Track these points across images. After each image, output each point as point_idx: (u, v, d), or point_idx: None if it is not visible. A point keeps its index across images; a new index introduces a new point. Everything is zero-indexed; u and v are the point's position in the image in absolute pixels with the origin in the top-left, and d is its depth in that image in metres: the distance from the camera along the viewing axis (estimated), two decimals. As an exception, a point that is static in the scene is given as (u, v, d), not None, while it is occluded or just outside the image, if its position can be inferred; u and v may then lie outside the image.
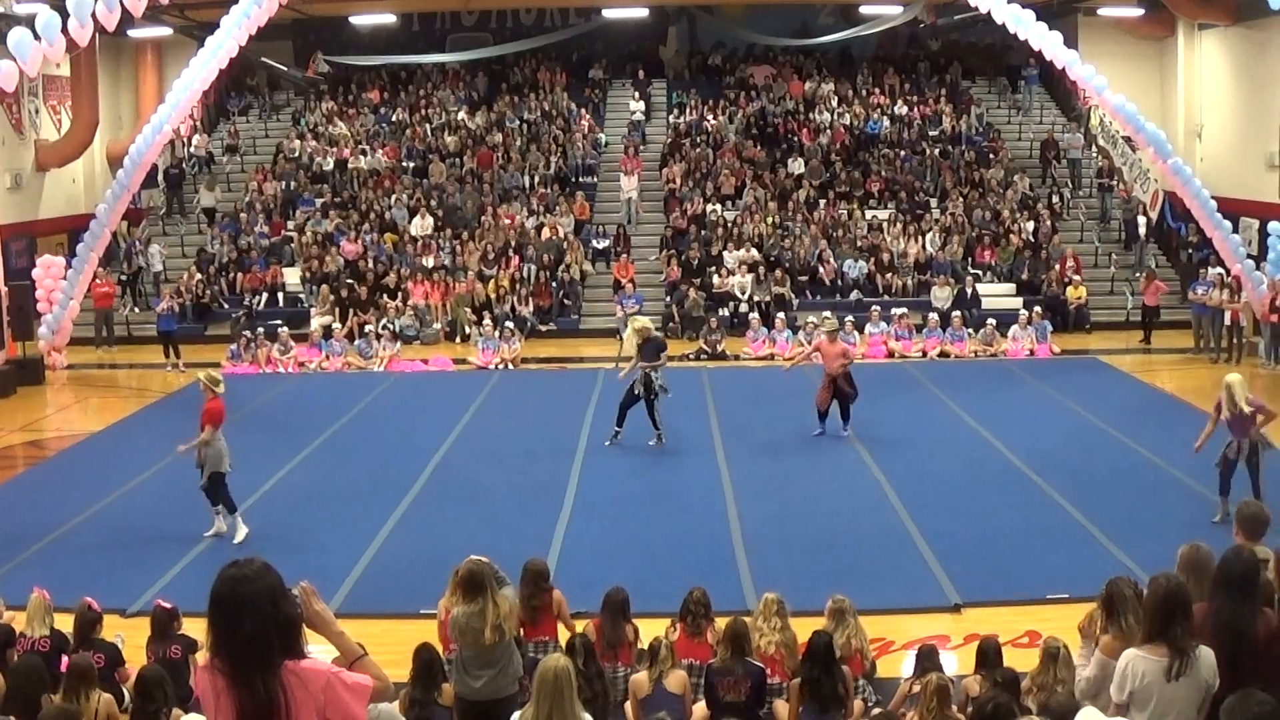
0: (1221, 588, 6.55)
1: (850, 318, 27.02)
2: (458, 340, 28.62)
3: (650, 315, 28.94)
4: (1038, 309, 27.32)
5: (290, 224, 32.45)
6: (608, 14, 34.20)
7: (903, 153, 34.70)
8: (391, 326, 27.61)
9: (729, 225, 31.60)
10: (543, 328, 29.07)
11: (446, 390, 23.69)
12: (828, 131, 35.44)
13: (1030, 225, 31.34)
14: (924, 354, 26.42)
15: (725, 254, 30.49)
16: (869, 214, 32.36)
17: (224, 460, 14.40)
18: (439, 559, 12.03)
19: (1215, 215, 25.73)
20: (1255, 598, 6.59)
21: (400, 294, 29.40)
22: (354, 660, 4.67)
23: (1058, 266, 29.54)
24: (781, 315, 27.61)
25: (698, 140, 35.39)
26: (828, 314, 25.60)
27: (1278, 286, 24.43)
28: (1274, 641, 6.53)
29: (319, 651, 4.90)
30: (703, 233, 31.51)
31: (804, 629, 9.71)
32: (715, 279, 29.68)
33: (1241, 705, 5.41)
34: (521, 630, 9.69)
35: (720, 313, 28.22)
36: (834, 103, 36.80)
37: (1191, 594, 6.42)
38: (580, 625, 10.17)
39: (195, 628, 9.53)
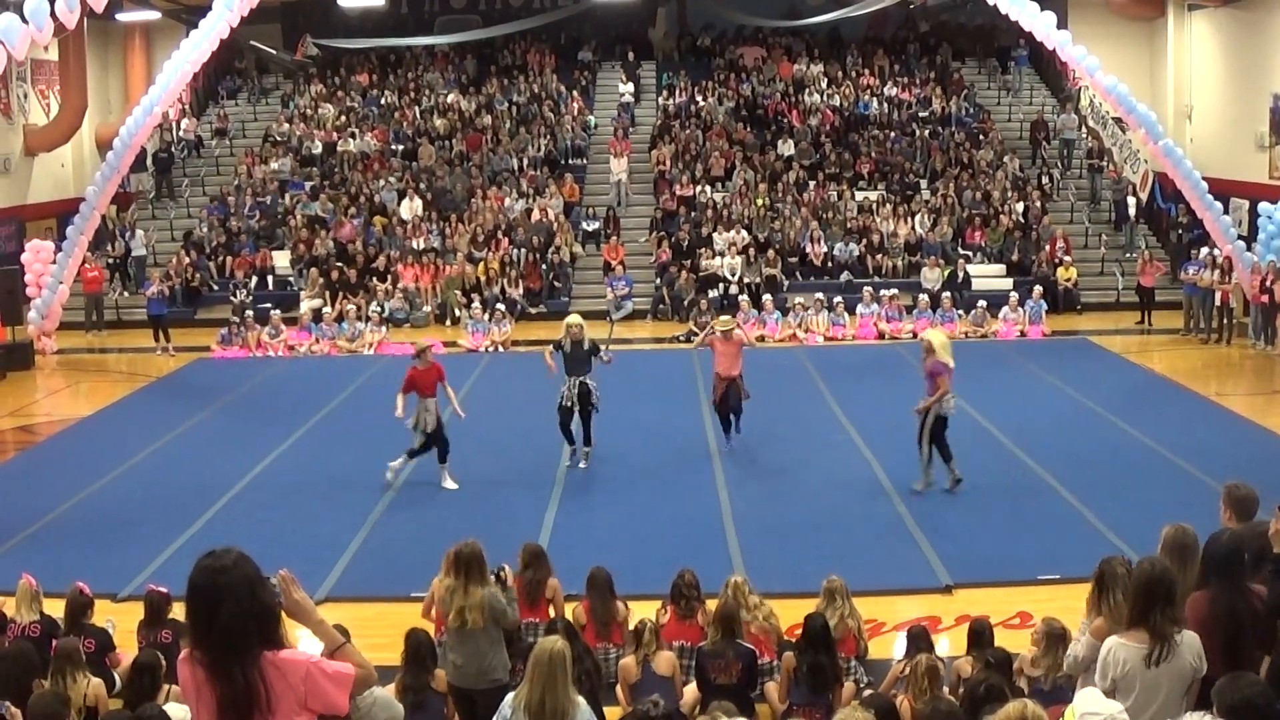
0: (1211, 572, 6.56)
1: (840, 299, 27.12)
2: (447, 323, 28.57)
3: (640, 297, 29.14)
4: (1039, 288, 27.30)
5: (279, 207, 32.36)
6: (596, -4, 34.16)
7: (892, 134, 34.65)
8: (380, 309, 27.58)
9: (719, 207, 31.54)
10: (533, 310, 29.03)
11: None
12: (817, 113, 35.39)
13: (1020, 206, 31.33)
14: (914, 335, 26.31)
15: (715, 236, 30.45)
16: (859, 195, 32.32)
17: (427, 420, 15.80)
18: (430, 542, 12.05)
19: (1206, 196, 25.69)
20: (1243, 578, 6.62)
21: (390, 277, 29.34)
22: (335, 649, 4.66)
23: (1048, 247, 29.52)
24: (770, 297, 27.59)
25: (687, 122, 35.32)
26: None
27: (1261, 269, 24.43)
28: (1267, 618, 6.55)
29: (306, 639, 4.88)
30: (692, 214, 31.48)
31: (796, 610, 9.73)
32: (705, 261, 29.66)
33: (1232, 687, 5.43)
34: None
35: (710, 294, 28.20)
36: (824, 84, 36.75)
37: (1177, 576, 6.43)
38: (570, 607, 10.19)
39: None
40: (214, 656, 4.32)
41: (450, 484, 15.79)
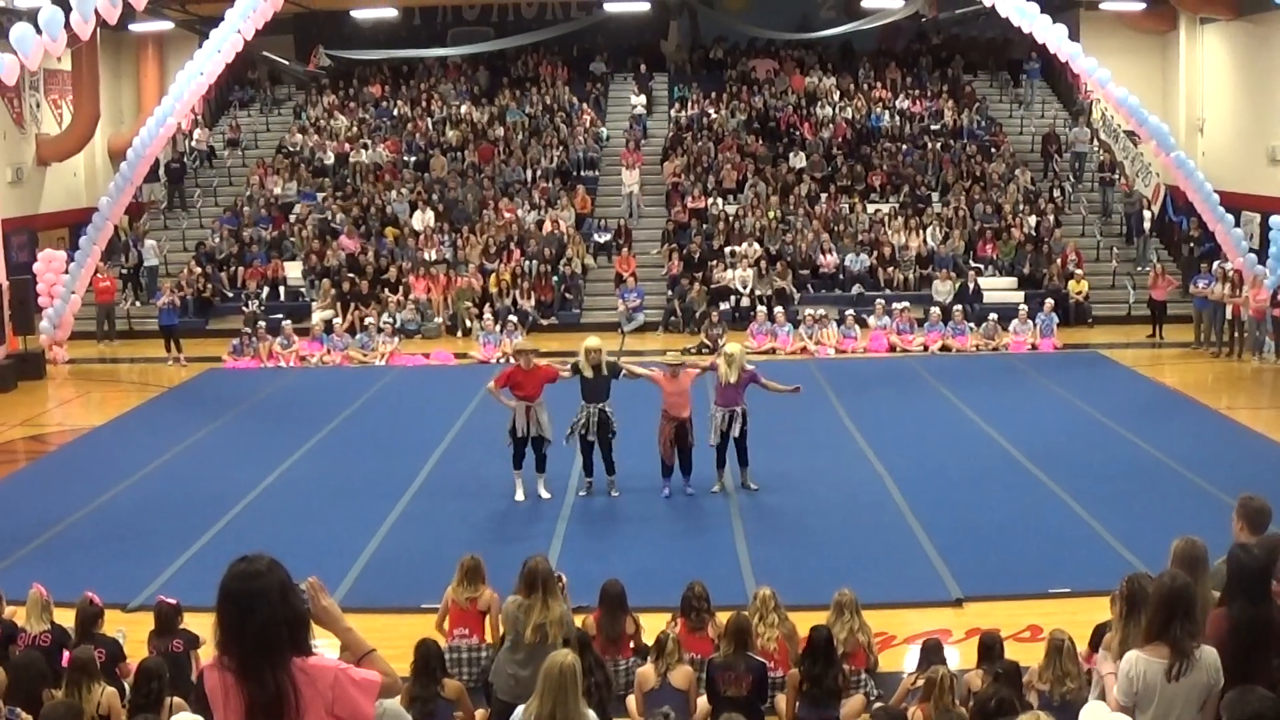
0: (1240, 588, 6.52)
1: (851, 311, 27.13)
2: (459, 334, 28.62)
3: (651, 309, 29.14)
4: (1050, 301, 27.22)
5: (291, 217, 32.44)
6: (609, 8, 34.14)
7: (904, 147, 34.65)
8: (392, 320, 27.62)
9: (730, 219, 31.56)
10: (544, 322, 29.05)
11: (448, 384, 23.66)
12: (829, 125, 35.41)
13: (1032, 219, 31.30)
14: (925, 348, 26.38)
15: (726, 248, 30.47)
16: (870, 208, 32.30)
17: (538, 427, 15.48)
18: (441, 553, 12.07)
19: (1218, 209, 25.68)
20: (1269, 593, 6.58)
21: (401, 288, 29.38)
22: (362, 656, 4.67)
23: (1059, 260, 29.48)
24: (781, 309, 27.58)
25: (699, 134, 35.36)
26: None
27: (1260, 281, 24.37)
28: None
29: (323, 646, 4.88)
30: (704, 227, 31.50)
31: (804, 623, 9.71)
32: (716, 273, 29.67)
33: (1241, 701, 5.41)
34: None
35: (721, 307, 28.21)
36: (835, 97, 36.77)
37: (1195, 590, 6.40)
38: (579, 619, 10.18)
39: (196, 623, 9.55)
40: (244, 662, 4.32)
41: (544, 493, 15.69)
